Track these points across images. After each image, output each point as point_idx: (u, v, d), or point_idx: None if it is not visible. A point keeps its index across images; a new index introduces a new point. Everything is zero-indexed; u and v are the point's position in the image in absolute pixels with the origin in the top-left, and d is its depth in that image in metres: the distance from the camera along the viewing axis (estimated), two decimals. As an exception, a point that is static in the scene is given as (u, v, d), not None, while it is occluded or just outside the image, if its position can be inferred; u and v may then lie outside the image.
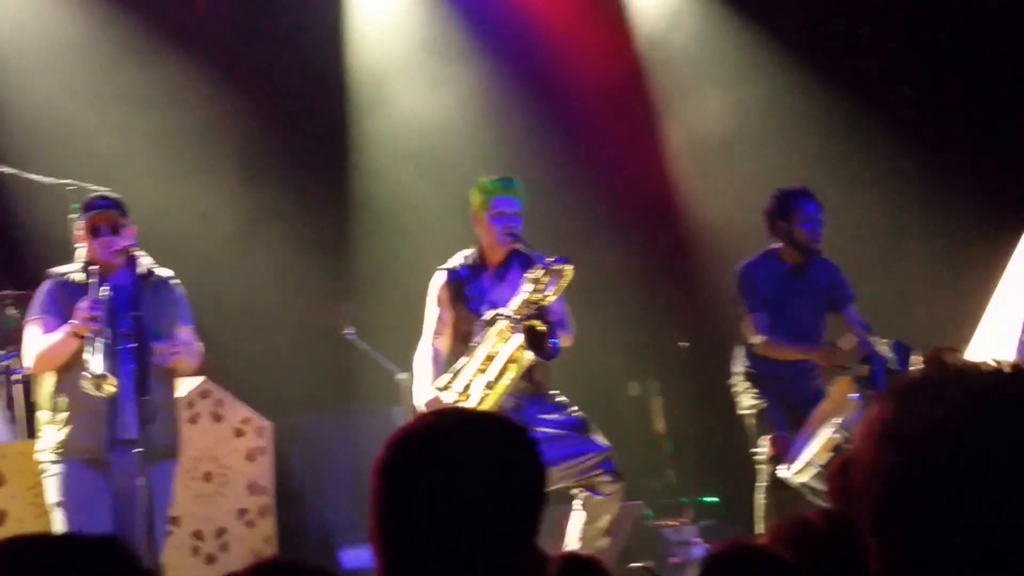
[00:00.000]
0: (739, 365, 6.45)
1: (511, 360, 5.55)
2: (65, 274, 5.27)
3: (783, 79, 8.91)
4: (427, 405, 5.66)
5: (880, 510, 1.33)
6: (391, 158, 9.33)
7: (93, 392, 4.90)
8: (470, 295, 5.80)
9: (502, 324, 5.56)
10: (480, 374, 5.60)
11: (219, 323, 8.65)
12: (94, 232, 5.19)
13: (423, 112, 9.24)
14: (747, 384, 6.37)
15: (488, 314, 5.62)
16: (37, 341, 5.20)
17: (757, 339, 6.28)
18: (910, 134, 8.69)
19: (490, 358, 5.59)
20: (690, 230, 8.99)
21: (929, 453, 1.29)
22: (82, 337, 5.02)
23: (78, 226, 5.28)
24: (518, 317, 5.51)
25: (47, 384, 5.22)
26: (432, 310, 5.87)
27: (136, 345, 5.06)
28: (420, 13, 9.28)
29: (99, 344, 4.94)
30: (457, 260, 5.90)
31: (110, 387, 4.90)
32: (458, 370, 5.68)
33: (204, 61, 8.87)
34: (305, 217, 9.10)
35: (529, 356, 5.51)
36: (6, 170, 6.74)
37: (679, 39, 9.17)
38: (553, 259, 5.60)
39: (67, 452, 5.14)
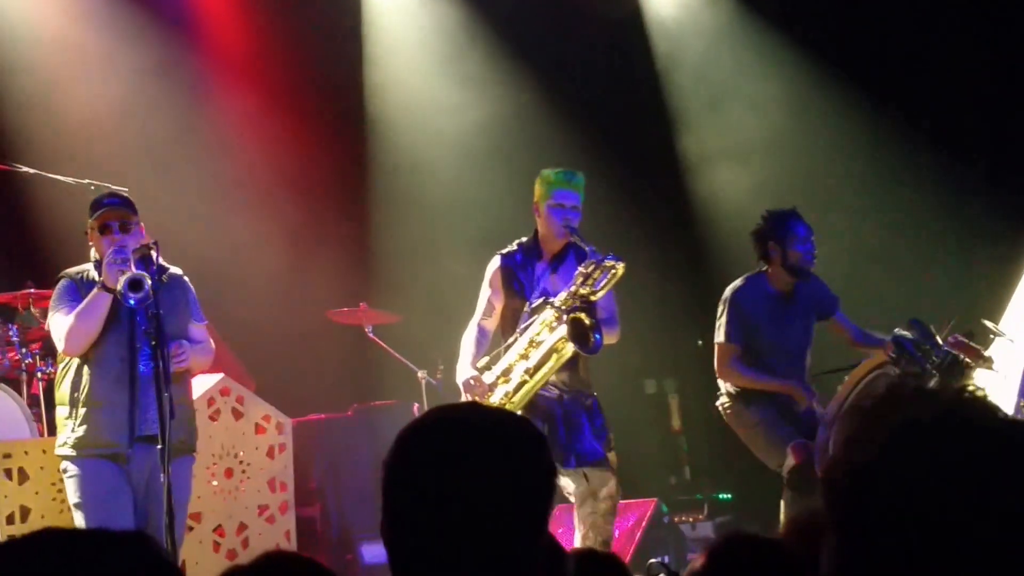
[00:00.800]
0: (728, 385, 6.31)
1: (553, 350, 5.58)
2: (80, 272, 5.28)
3: (801, 76, 8.93)
4: (464, 384, 5.72)
5: (843, 507, 1.39)
6: (412, 156, 9.37)
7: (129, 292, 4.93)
8: (523, 281, 5.83)
9: (549, 313, 5.60)
10: (522, 359, 5.64)
11: (239, 320, 8.72)
12: (104, 230, 5.18)
13: (444, 108, 9.27)
14: (740, 406, 6.25)
15: (537, 301, 5.66)
16: (66, 319, 5.14)
17: (727, 370, 6.18)
18: (930, 133, 8.68)
19: (533, 344, 5.63)
20: (708, 228, 9.01)
21: (890, 459, 1.35)
22: (111, 291, 5.02)
23: (89, 224, 5.27)
24: (565, 308, 5.54)
25: (68, 380, 5.21)
26: (484, 292, 5.92)
27: (155, 343, 5.04)
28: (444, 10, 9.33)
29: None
30: (514, 246, 5.93)
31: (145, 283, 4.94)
32: (500, 353, 5.73)
33: (223, 53, 8.93)
34: (326, 214, 9.15)
35: (571, 348, 5.53)
36: (29, 170, 6.79)
37: (695, 38, 9.19)
38: (606, 255, 5.62)
39: (88, 448, 5.13)
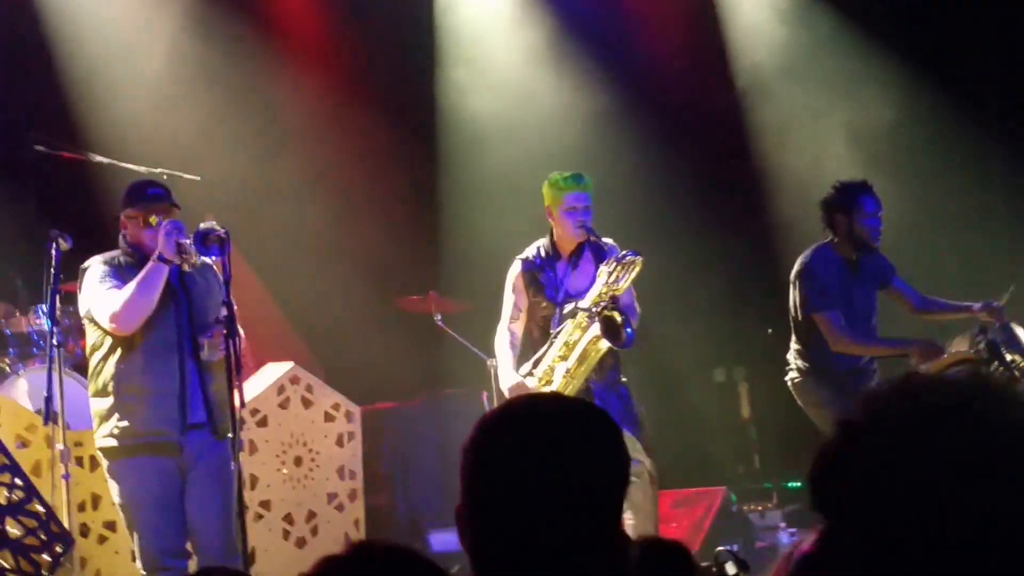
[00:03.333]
0: (800, 360, 6.26)
1: (588, 349, 5.78)
2: (112, 258, 5.16)
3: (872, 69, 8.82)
4: (510, 390, 5.90)
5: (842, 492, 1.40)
6: (479, 146, 9.36)
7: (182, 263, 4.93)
8: (545, 283, 6.03)
9: (580, 315, 5.81)
10: (561, 360, 5.85)
11: (309, 308, 8.78)
12: (150, 223, 5.07)
13: (513, 102, 9.26)
14: (809, 383, 6.22)
15: (568, 307, 5.87)
16: (120, 293, 4.98)
17: (839, 338, 6.12)
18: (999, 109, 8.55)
19: (568, 345, 5.83)
20: (778, 214, 8.91)
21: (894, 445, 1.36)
22: (167, 261, 4.93)
23: (128, 213, 5.15)
24: (595, 308, 5.75)
25: (109, 368, 5.06)
26: (508, 297, 6.14)
27: (226, 332, 5.00)
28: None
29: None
30: (532, 250, 6.13)
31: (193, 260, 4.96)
32: (540, 356, 5.93)
33: (294, 49, 8.98)
34: (395, 202, 9.18)
35: (604, 345, 5.73)
36: (103, 160, 6.87)
37: (771, 30, 9.09)
38: (625, 252, 5.84)
39: (136, 438, 5.01)
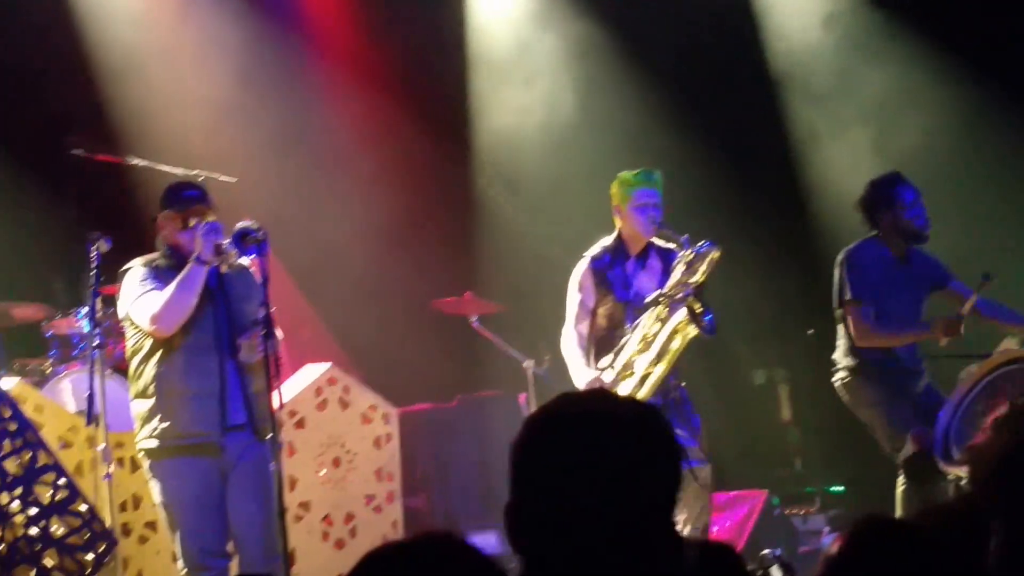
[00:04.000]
0: (849, 358, 6.19)
1: (674, 335, 5.69)
2: (150, 260, 5.17)
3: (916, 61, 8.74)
4: (588, 385, 5.79)
5: (996, 489, 1.38)
6: (515, 146, 9.34)
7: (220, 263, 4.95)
8: (613, 281, 5.94)
9: (658, 307, 5.73)
10: (641, 353, 5.75)
11: (347, 310, 8.78)
12: (187, 225, 5.09)
13: (550, 103, 9.24)
14: (859, 383, 6.15)
15: (651, 296, 5.77)
16: (160, 295, 5.00)
17: (860, 330, 6.06)
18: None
19: (648, 338, 5.74)
20: (818, 215, 8.85)
21: None
22: (205, 262, 4.94)
23: (166, 215, 5.16)
24: (678, 296, 5.69)
25: (149, 369, 5.06)
26: (574, 296, 6.01)
27: (265, 332, 4.99)
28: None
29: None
30: (597, 248, 6.03)
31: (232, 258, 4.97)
32: (619, 350, 5.81)
33: (334, 57, 8.99)
34: (433, 203, 9.17)
35: (692, 331, 5.66)
36: (140, 162, 6.89)
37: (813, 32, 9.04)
38: (704, 242, 5.78)
39: (177, 440, 5.01)
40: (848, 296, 6.13)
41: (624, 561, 1.79)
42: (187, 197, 5.18)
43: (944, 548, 2.12)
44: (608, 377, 5.76)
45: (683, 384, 5.94)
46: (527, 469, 1.85)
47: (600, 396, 2.05)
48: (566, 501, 1.79)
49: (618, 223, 6.02)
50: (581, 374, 5.83)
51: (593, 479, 1.78)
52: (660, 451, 1.85)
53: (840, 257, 6.24)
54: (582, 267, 6.01)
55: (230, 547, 5.14)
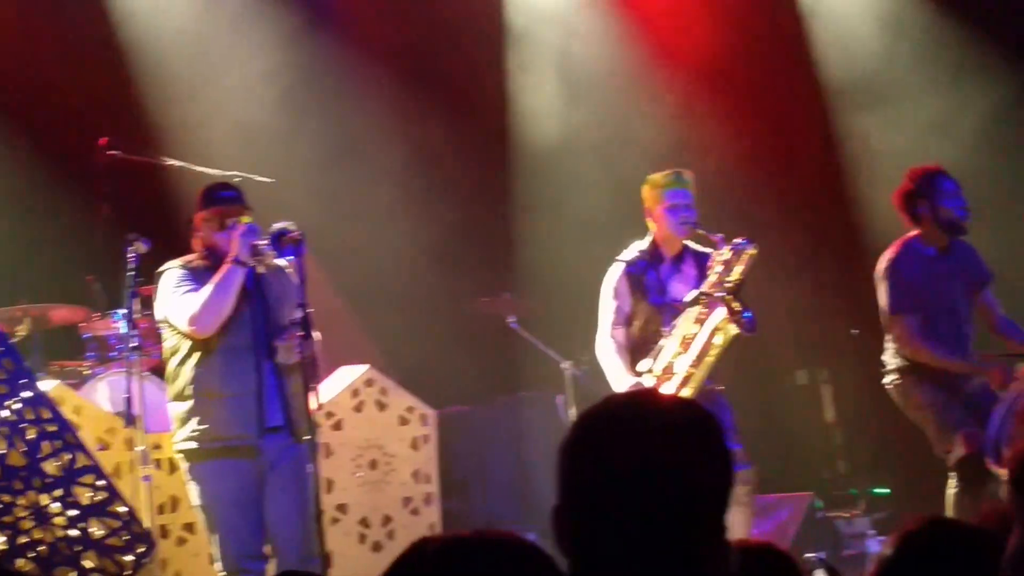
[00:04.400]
0: (898, 360, 6.08)
1: (715, 333, 5.66)
2: (187, 262, 5.17)
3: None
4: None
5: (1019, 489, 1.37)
6: (554, 148, 9.30)
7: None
8: (648, 286, 5.87)
9: (696, 307, 5.70)
10: (681, 355, 5.70)
11: (384, 311, 8.75)
12: (224, 226, 5.09)
13: (591, 104, 9.19)
14: (909, 384, 6.03)
15: (690, 295, 5.72)
16: (197, 296, 5.00)
17: (910, 345, 5.95)
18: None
19: (687, 339, 5.69)
20: (862, 214, 8.74)
21: None
22: (242, 263, 4.95)
23: (203, 216, 5.15)
24: (718, 294, 5.65)
25: (187, 371, 5.05)
26: (609, 302, 5.92)
27: (303, 334, 4.96)
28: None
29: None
30: (632, 252, 5.95)
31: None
32: (657, 353, 5.75)
33: (367, 50, 8.97)
34: (470, 204, 9.14)
35: (733, 329, 5.62)
36: (176, 163, 6.88)
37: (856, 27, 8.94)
38: (740, 241, 5.74)
39: (215, 442, 5.00)
40: (890, 310, 6.03)
41: (674, 565, 1.76)
42: (223, 198, 5.17)
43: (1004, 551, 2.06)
44: (649, 382, 5.68)
45: (720, 388, 5.87)
46: (575, 472, 1.82)
47: (649, 398, 2.01)
48: (615, 504, 1.76)
49: (651, 226, 5.95)
50: (622, 381, 5.74)
51: (643, 483, 1.75)
52: (711, 454, 1.82)
53: (882, 264, 6.13)
54: (616, 272, 5.92)
55: (267, 549, 5.12)
